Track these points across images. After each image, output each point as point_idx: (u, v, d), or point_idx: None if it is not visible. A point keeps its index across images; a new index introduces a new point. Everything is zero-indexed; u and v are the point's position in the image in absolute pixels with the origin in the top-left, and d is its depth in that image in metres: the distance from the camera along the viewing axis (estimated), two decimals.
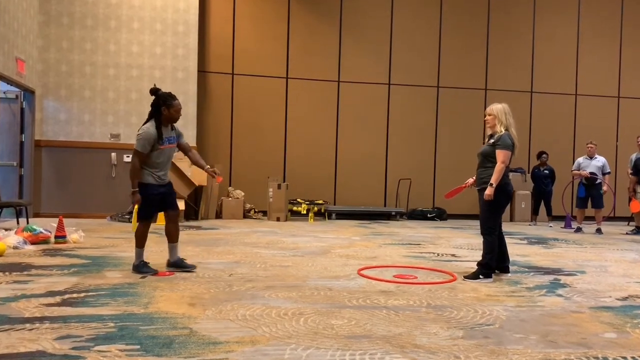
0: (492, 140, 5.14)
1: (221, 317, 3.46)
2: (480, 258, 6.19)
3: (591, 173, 9.90)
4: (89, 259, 5.54)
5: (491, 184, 4.92)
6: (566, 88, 13.31)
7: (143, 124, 4.80)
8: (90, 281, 4.45)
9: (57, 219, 7.03)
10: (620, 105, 13.51)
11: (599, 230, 9.91)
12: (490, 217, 5.04)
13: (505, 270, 5.24)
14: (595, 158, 10.07)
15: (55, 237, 6.68)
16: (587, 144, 10.24)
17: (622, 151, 13.20)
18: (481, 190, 5.12)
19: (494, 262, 5.04)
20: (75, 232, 6.90)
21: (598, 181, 9.93)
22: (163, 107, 4.74)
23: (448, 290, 4.45)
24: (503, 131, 5.08)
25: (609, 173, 10.13)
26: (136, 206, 4.74)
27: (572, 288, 4.71)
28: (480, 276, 4.93)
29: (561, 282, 5.00)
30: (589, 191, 10.00)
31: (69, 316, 3.38)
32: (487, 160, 5.13)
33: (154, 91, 4.80)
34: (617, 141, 13.43)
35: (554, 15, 13.23)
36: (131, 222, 4.89)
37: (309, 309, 3.69)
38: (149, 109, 4.84)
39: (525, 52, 13.13)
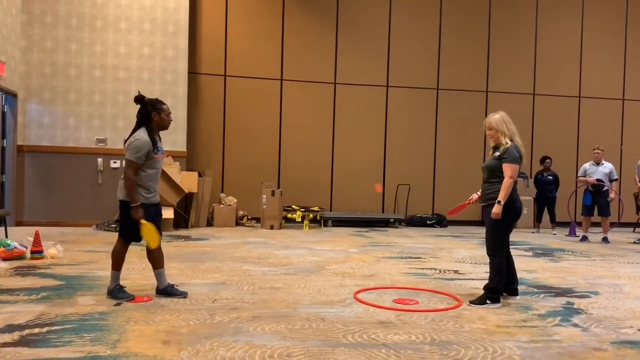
0: (497, 153, 4.70)
1: None
2: (485, 275, 5.84)
3: (598, 180, 9.50)
4: (63, 280, 5.11)
5: (499, 202, 4.51)
6: (569, 90, 12.91)
7: (132, 133, 4.37)
8: (58, 310, 4.02)
9: (41, 228, 6.61)
10: (625, 108, 13.12)
11: (605, 239, 9.52)
12: (498, 237, 4.63)
13: (514, 292, 4.83)
14: (602, 164, 9.66)
15: (31, 252, 6.24)
16: (593, 150, 9.83)
17: (627, 156, 12.81)
18: (487, 207, 4.70)
19: (502, 286, 4.63)
20: (54, 247, 6.46)
21: (605, 188, 9.54)
22: (154, 113, 4.36)
23: (453, 320, 4.03)
24: (508, 142, 4.65)
25: (616, 180, 9.73)
26: (143, 222, 4.25)
27: (588, 315, 4.30)
28: (488, 301, 4.51)
29: (575, 306, 4.60)
30: (596, 199, 9.60)
31: None
32: (493, 174, 4.71)
33: (140, 99, 4.39)
34: (621, 145, 13.04)
35: (557, 15, 12.82)
36: (143, 239, 4.34)
37: (298, 348, 3.27)
38: (137, 112, 4.43)
39: (527, 53, 12.72)
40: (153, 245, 4.33)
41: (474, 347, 3.39)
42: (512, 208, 4.62)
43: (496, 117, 4.75)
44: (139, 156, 4.23)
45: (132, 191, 4.24)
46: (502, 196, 4.51)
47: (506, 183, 4.53)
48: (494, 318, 4.14)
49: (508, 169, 4.55)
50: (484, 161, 12.21)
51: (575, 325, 4.00)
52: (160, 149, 4.43)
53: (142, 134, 4.30)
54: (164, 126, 4.45)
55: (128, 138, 4.36)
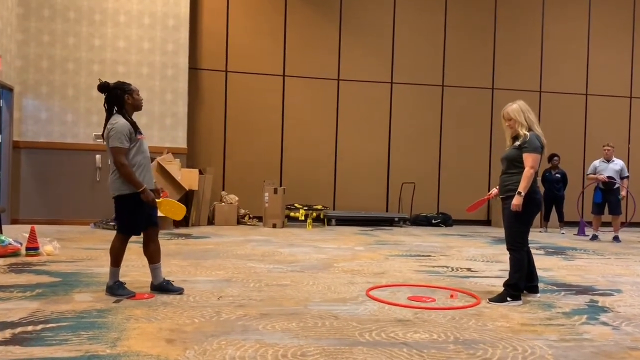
0: (517, 143, 4.47)
1: None
2: (499, 273, 5.61)
3: (609, 177, 9.28)
4: (59, 277, 4.86)
5: (519, 193, 4.28)
6: (576, 87, 12.70)
7: (107, 121, 4.14)
8: (54, 307, 3.77)
9: (37, 225, 6.36)
10: (633, 106, 12.91)
11: (616, 238, 9.29)
12: (519, 231, 4.39)
13: (534, 290, 4.60)
14: (613, 161, 9.44)
15: (27, 249, 5.99)
16: (604, 147, 9.60)
17: (635, 154, 12.61)
18: (506, 199, 4.48)
19: (523, 283, 4.39)
20: (50, 243, 6.21)
21: (616, 186, 9.31)
22: (126, 95, 4.15)
23: (475, 318, 3.79)
24: (526, 133, 4.42)
25: (627, 177, 9.50)
26: (160, 201, 4.20)
27: (616, 313, 4.06)
28: (508, 298, 4.27)
29: (599, 304, 4.36)
30: (606, 196, 9.37)
31: None
32: (512, 165, 4.48)
33: (105, 86, 4.15)
34: (629, 143, 12.83)
35: (563, 11, 12.62)
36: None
37: (313, 347, 3.03)
38: (104, 101, 4.21)
39: (533, 50, 12.51)
40: (179, 217, 4.30)
41: (502, 346, 3.15)
42: (533, 200, 4.40)
43: (514, 107, 4.53)
44: (121, 140, 4.01)
45: (131, 177, 4.02)
46: (522, 187, 4.28)
47: (527, 173, 4.31)
48: (517, 316, 3.90)
49: (529, 159, 4.33)
50: (489, 158, 12.17)
51: (605, 323, 3.76)
52: (139, 130, 4.22)
53: (118, 119, 4.11)
54: (138, 106, 4.26)
55: (103, 130, 4.15)
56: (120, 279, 4.23)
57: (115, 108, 4.16)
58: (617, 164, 9.42)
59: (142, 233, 4.24)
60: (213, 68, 11.06)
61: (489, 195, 4.89)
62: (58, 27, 9.65)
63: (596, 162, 9.65)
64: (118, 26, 9.87)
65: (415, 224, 11.56)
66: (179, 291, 4.28)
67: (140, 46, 9.96)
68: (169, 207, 4.23)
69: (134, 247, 5.69)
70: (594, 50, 12.74)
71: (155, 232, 4.31)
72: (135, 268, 5.27)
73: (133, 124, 4.13)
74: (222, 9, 11.07)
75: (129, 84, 4.24)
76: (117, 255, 4.17)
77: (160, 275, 4.32)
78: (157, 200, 4.14)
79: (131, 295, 4.11)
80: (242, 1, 11.18)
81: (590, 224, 10.02)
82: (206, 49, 11.00)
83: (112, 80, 4.32)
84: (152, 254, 4.28)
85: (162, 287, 4.28)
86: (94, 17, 9.78)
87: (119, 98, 4.14)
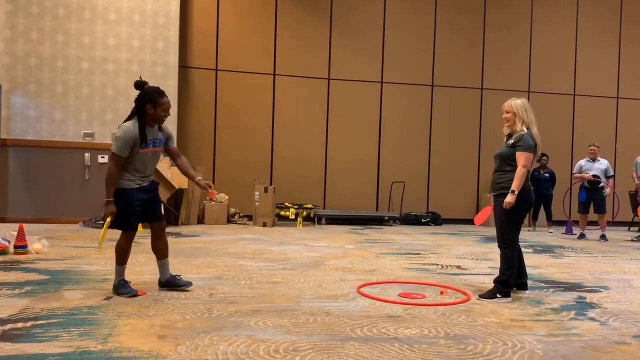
0: (511, 141, 4.51)
1: (197, 355, 2.79)
2: (489, 270, 5.66)
3: (594, 176, 9.39)
4: (49, 274, 4.82)
5: (513, 191, 4.32)
6: (564, 88, 12.82)
7: (124, 121, 4.05)
8: (44, 304, 3.75)
9: (25, 224, 6.30)
10: (620, 106, 13.06)
11: (603, 237, 9.39)
12: (510, 228, 4.45)
13: (523, 287, 4.64)
14: (598, 160, 9.56)
15: (15, 247, 5.93)
16: (589, 146, 9.71)
17: (621, 154, 12.75)
18: (498, 197, 4.52)
19: (513, 279, 4.43)
20: (38, 241, 6.16)
21: (601, 184, 9.42)
22: (148, 105, 3.97)
23: (465, 314, 3.83)
24: (524, 130, 4.45)
25: (612, 176, 9.62)
26: (108, 219, 3.99)
27: (604, 309, 4.12)
28: (498, 295, 4.31)
29: (587, 300, 4.42)
30: (592, 195, 9.49)
31: (4, 357, 2.69)
32: (505, 163, 4.51)
33: (140, 85, 4.04)
34: (616, 143, 12.97)
35: (552, 12, 12.73)
36: (101, 234, 4.20)
37: (305, 343, 3.04)
38: (126, 106, 4.15)
39: (522, 50, 12.61)
40: (99, 244, 4.21)
41: (492, 341, 3.19)
42: (525, 198, 4.44)
43: (517, 102, 4.54)
44: (120, 148, 3.91)
45: (108, 185, 3.94)
46: (515, 185, 4.32)
47: (520, 172, 4.34)
48: (507, 312, 3.94)
49: (522, 158, 4.36)
50: (478, 158, 12.26)
51: (592, 319, 3.82)
52: (152, 142, 4.08)
53: (130, 125, 3.97)
54: (159, 120, 4.08)
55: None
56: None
57: (138, 111, 4.03)
58: (603, 163, 9.54)
59: (150, 229, 4.24)
60: (203, 66, 11.03)
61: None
62: (47, 24, 9.57)
63: (582, 162, 9.75)
64: (108, 24, 9.81)
65: (405, 223, 11.61)
66: (188, 285, 4.29)
67: (130, 44, 9.91)
68: (103, 231, 4.14)
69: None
70: (581, 51, 12.86)
71: (160, 228, 4.27)
72: (134, 265, 5.23)
73: (143, 136, 3.97)
74: (212, 7, 11.03)
75: (161, 96, 4.02)
76: (119, 253, 4.12)
77: (167, 271, 4.31)
78: (107, 219, 4.00)
79: (133, 294, 4.05)
80: (233, 0, 11.15)
81: (577, 223, 10.13)
82: (196, 47, 10.97)
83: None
84: (158, 250, 4.26)
85: (170, 282, 4.27)
86: (84, 14, 9.71)
87: (141, 103, 4.00)
